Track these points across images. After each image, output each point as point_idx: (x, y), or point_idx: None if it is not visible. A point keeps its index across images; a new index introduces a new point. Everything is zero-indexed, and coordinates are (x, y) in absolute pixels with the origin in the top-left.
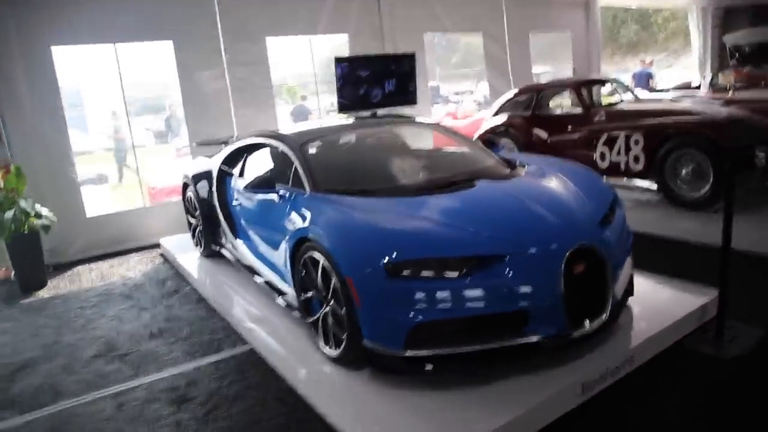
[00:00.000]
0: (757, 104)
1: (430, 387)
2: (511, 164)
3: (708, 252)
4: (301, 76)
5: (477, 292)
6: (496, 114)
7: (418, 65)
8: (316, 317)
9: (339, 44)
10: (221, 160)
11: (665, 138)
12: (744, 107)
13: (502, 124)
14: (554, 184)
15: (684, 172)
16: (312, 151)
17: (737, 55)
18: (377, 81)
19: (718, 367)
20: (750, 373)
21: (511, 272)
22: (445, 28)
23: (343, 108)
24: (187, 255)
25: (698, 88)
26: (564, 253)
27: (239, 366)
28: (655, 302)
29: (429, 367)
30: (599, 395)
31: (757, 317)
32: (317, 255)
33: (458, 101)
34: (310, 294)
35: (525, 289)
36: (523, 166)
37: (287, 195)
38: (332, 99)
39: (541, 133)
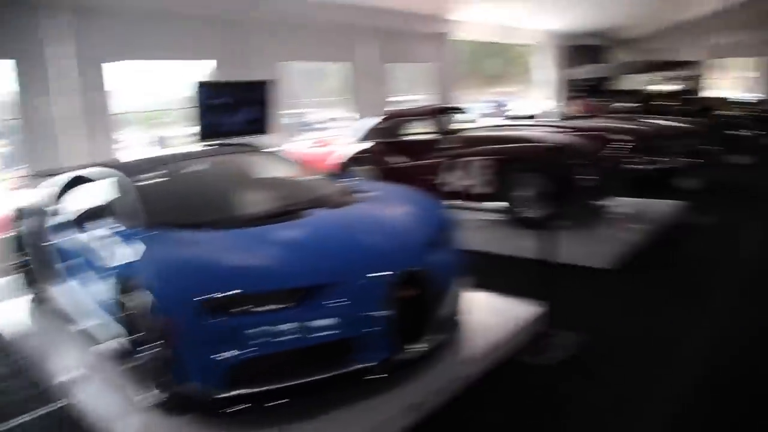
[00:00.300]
0: (594, 131)
1: (260, 425)
2: (350, 192)
3: (544, 267)
4: (163, 103)
5: (303, 324)
6: (362, 140)
7: (282, 93)
8: (138, 361)
9: (205, 71)
10: (51, 193)
11: (509, 162)
12: (581, 135)
13: (365, 150)
14: (388, 210)
15: (527, 193)
16: (145, 182)
17: (583, 87)
18: (235, 108)
19: (542, 376)
20: (568, 378)
21: (338, 301)
22: (313, 57)
23: (203, 135)
24: (2, 303)
25: (544, 116)
26: (390, 279)
27: (54, 424)
28: (488, 319)
29: (256, 405)
30: (431, 414)
31: (581, 324)
32: (141, 294)
33: (326, 128)
34: (134, 336)
35: (352, 317)
36: (361, 193)
37: (117, 230)
38: (192, 127)
39: (401, 159)
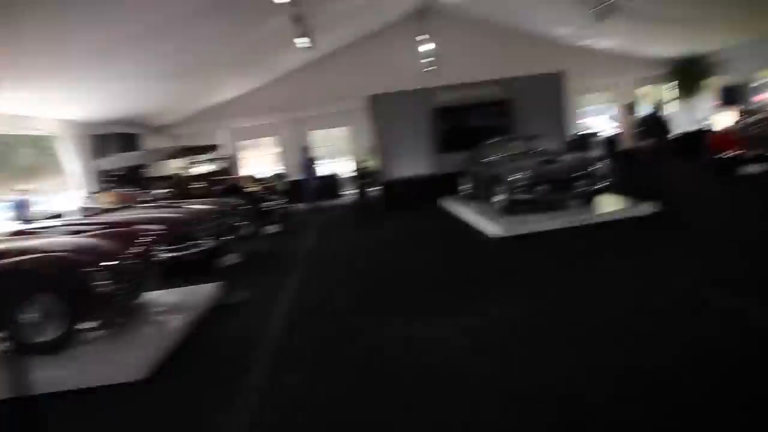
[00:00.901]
0: (124, 225)
1: None
2: None
3: (54, 400)
4: None
5: None
6: None
7: None
8: None
9: None
10: None
11: (3, 282)
12: (109, 231)
13: None
14: None
15: (35, 315)
16: None
17: (115, 177)
18: None
19: None
20: None
21: None
22: None
23: None
24: None
25: (76, 212)
26: None
27: None
28: None
29: None
30: None
31: None
32: None
33: None
34: None
35: None
36: None
37: None
38: None
39: None
